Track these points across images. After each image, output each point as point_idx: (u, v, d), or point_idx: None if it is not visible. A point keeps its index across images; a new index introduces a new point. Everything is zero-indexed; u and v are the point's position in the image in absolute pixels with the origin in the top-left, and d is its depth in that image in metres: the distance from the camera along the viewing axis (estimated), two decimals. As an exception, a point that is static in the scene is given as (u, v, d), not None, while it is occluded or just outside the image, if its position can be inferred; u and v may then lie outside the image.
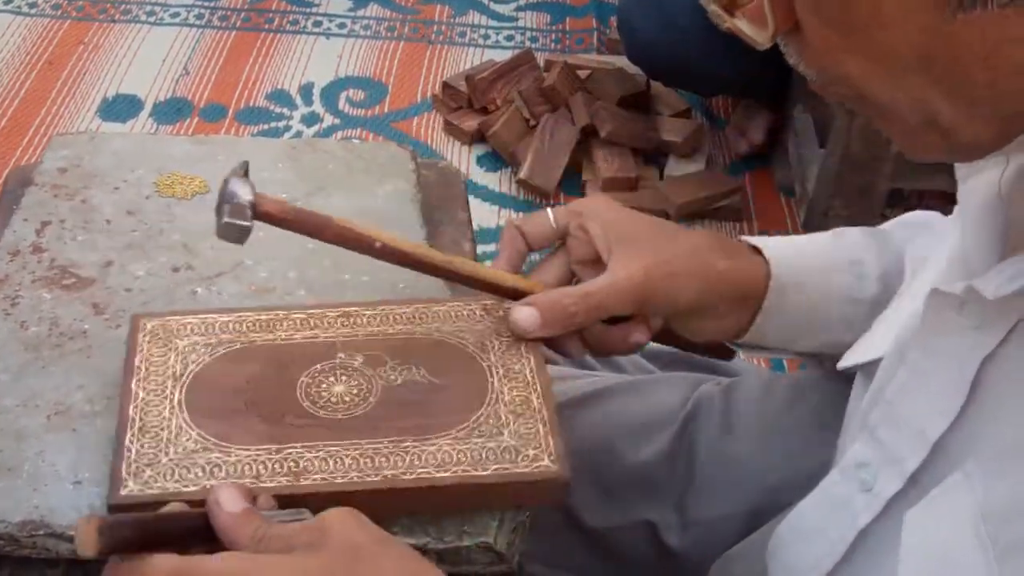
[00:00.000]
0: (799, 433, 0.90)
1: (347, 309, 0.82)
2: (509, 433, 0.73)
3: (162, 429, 0.72)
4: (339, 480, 0.69)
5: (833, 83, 0.54)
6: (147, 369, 0.76)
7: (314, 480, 0.69)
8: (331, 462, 0.70)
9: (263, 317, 0.81)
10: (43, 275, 0.86)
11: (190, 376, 0.76)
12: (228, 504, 0.59)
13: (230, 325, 0.80)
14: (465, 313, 0.82)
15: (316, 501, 0.66)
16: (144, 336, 0.79)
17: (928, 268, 0.72)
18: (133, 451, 0.71)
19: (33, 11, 2.69)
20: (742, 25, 0.54)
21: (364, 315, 0.82)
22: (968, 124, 0.51)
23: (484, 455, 0.71)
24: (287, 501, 0.65)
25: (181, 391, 0.75)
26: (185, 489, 0.68)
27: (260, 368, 0.77)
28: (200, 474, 0.69)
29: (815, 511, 0.69)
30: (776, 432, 0.92)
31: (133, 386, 0.75)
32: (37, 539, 0.68)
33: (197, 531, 0.60)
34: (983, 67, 0.47)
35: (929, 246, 0.79)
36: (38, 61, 2.53)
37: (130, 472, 0.69)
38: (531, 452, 0.72)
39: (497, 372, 0.77)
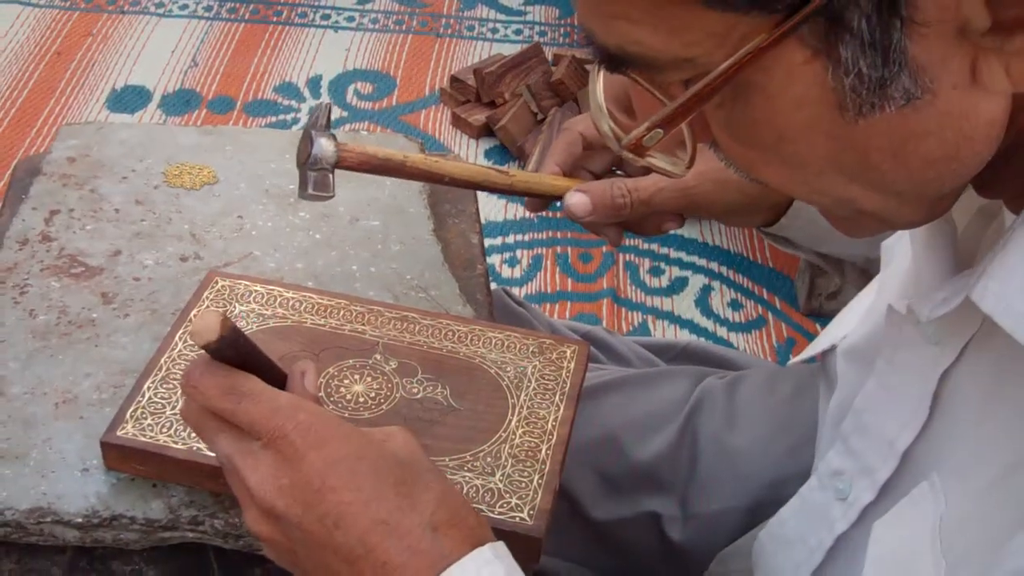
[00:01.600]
0: (802, 427, 0.90)
1: (407, 313, 0.82)
2: (501, 476, 0.70)
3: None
4: None
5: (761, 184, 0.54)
6: None
7: None
8: None
9: (324, 301, 0.82)
10: (52, 264, 0.86)
11: None
12: (310, 382, 0.61)
13: (290, 302, 0.81)
14: (519, 345, 0.81)
15: None
16: (210, 293, 0.81)
17: (894, 260, 0.72)
18: (146, 397, 0.72)
19: (42, 2, 2.69)
20: (656, 162, 0.55)
21: (420, 323, 0.81)
22: (898, 211, 0.51)
23: (466, 490, 0.69)
24: None
25: None
26: (173, 445, 0.69)
27: (297, 349, 0.77)
28: (193, 436, 0.70)
29: (795, 518, 0.70)
30: (779, 426, 0.92)
31: (176, 337, 0.77)
32: (44, 526, 0.69)
33: (273, 383, 0.60)
34: (894, 162, 0.48)
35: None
36: (47, 52, 2.53)
37: (134, 415, 0.71)
38: (514, 501, 0.69)
39: (520, 412, 0.75)
